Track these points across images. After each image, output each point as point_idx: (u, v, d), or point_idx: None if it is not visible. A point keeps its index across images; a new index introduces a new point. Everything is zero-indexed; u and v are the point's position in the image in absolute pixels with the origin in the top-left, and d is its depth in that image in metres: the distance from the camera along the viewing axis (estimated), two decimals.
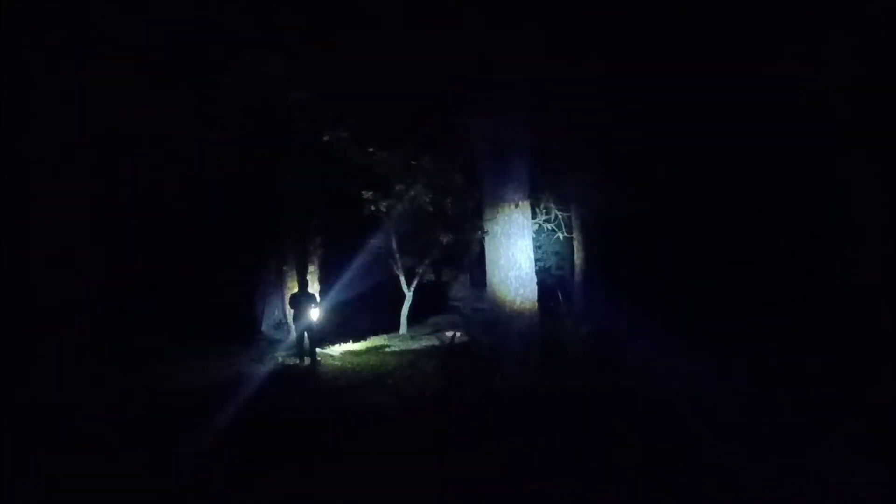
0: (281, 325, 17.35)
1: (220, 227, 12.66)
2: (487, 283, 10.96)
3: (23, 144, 8.06)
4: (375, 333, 17.13)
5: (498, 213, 10.67)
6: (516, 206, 10.60)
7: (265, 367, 11.95)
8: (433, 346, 13.53)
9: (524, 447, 6.60)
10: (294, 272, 15.32)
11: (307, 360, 12.28)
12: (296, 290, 14.05)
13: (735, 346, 8.15)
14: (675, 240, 9.77)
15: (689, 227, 9.69)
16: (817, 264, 8.60)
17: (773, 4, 8.77)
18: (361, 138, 11.68)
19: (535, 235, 10.91)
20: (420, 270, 17.99)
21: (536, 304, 10.52)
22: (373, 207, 12.01)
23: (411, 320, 17.80)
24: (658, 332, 9.10)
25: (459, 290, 20.30)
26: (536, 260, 10.81)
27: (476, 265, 17.36)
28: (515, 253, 10.61)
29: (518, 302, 10.50)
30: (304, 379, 11.39)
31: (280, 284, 14.80)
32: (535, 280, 10.64)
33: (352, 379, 11.09)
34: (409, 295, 17.74)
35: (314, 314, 12.57)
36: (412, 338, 16.18)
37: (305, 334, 12.48)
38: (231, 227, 12.98)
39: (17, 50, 7.95)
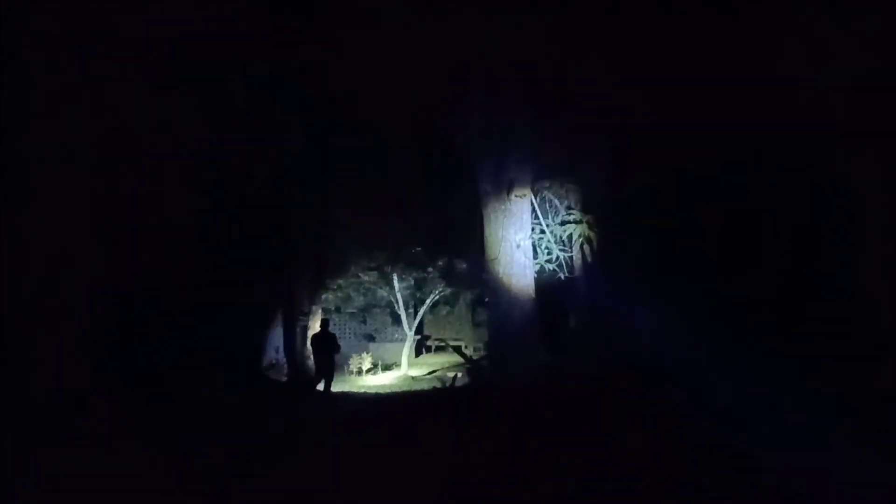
0: (275, 365, 17.19)
1: (220, 241, 12.57)
2: (489, 321, 10.90)
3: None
4: (375, 372, 17.02)
5: (500, 253, 10.75)
6: (518, 246, 10.69)
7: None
8: (434, 388, 13.38)
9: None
10: (309, 310, 15.09)
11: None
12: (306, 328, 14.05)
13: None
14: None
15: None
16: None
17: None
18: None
19: (535, 275, 10.94)
20: (422, 310, 17.97)
21: (540, 344, 10.51)
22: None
23: (412, 358, 17.70)
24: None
25: (461, 328, 20.20)
26: (537, 289, 10.87)
27: (478, 303, 17.35)
28: (518, 293, 10.66)
29: (521, 341, 10.50)
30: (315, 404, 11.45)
31: (289, 321, 14.51)
32: (537, 319, 10.65)
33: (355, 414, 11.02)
34: (410, 334, 17.67)
35: (335, 355, 12.54)
36: (413, 378, 16.04)
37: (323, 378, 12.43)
38: (231, 247, 12.88)
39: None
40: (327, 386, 12.05)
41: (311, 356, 12.67)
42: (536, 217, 11.11)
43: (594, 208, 10.87)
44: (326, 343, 12.23)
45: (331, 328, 13.18)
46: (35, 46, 8.31)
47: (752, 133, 8.87)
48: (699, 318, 8.49)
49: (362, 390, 14.30)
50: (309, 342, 13.49)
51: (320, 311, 15.77)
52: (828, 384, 6.91)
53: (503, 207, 10.75)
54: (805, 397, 6.68)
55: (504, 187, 10.71)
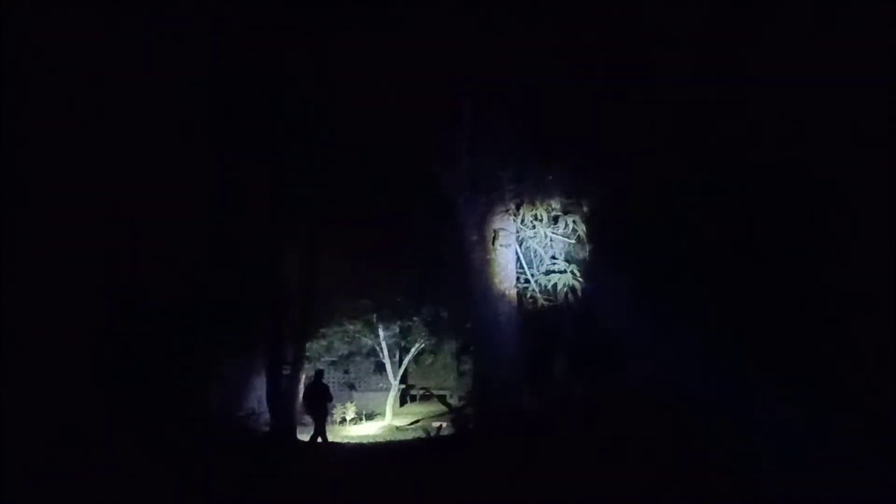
0: (253, 416, 16.89)
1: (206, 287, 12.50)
2: (474, 370, 10.93)
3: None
4: (359, 421, 16.85)
5: (485, 302, 10.90)
6: (503, 295, 10.85)
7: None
8: (419, 438, 13.29)
9: None
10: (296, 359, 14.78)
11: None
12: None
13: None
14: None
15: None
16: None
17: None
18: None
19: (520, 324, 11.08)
20: (406, 359, 17.90)
21: (526, 392, 10.60)
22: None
23: (396, 408, 17.54)
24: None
25: (446, 377, 20.07)
26: (523, 338, 10.99)
27: (463, 352, 17.32)
28: (502, 343, 10.78)
29: (506, 390, 10.58)
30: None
31: (273, 370, 14.24)
32: (522, 368, 10.76)
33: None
34: (394, 384, 17.57)
35: (328, 406, 12.63)
36: (398, 428, 15.90)
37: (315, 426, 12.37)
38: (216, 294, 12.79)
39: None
40: (318, 435, 11.98)
41: (304, 405, 12.69)
42: (521, 267, 11.30)
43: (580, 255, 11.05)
44: (319, 393, 12.24)
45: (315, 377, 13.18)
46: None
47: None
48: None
49: (346, 440, 14.13)
50: (302, 392, 13.48)
51: (304, 360, 15.66)
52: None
53: (488, 258, 10.94)
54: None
55: (489, 237, 10.92)
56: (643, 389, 8.58)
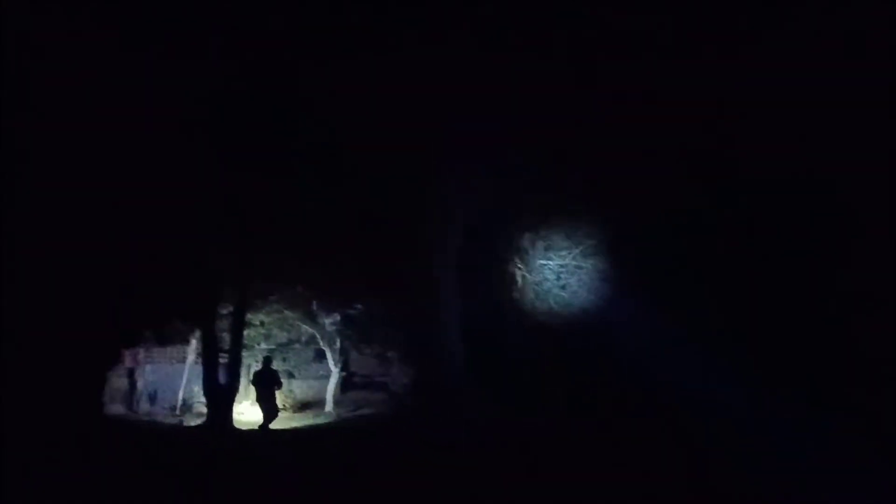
0: (187, 406, 16.14)
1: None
2: (418, 358, 10.93)
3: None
4: (299, 409, 16.52)
5: (430, 292, 10.77)
6: (446, 283, 10.74)
7: None
8: (358, 424, 13.12)
9: None
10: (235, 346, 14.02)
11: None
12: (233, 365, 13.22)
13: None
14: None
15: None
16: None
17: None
18: None
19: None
20: (348, 345, 17.49)
21: (463, 369, 10.67)
22: None
23: (338, 395, 17.19)
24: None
25: (390, 366, 19.81)
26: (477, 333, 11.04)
27: (407, 341, 17.07)
28: (446, 328, 10.73)
29: (446, 373, 10.58)
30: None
31: (210, 358, 13.47)
32: (462, 353, 10.79)
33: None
34: (335, 371, 17.20)
35: (277, 393, 12.39)
36: (338, 415, 15.59)
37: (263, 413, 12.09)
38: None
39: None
40: (266, 423, 11.60)
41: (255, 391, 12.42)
42: (470, 258, 11.23)
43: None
44: (268, 380, 11.86)
45: (249, 365, 12.77)
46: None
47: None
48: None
49: (285, 427, 13.71)
50: (251, 379, 13.03)
51: (242, 347, 15.00)
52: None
53: (438, 249, 10.82)
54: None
55: (445, 232, 10.78)
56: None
